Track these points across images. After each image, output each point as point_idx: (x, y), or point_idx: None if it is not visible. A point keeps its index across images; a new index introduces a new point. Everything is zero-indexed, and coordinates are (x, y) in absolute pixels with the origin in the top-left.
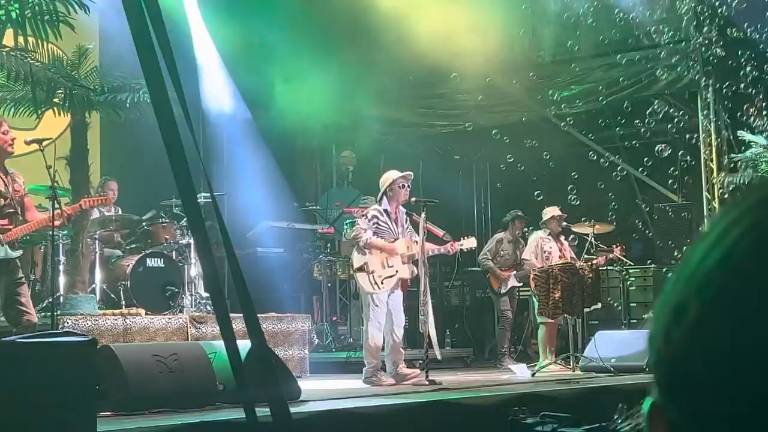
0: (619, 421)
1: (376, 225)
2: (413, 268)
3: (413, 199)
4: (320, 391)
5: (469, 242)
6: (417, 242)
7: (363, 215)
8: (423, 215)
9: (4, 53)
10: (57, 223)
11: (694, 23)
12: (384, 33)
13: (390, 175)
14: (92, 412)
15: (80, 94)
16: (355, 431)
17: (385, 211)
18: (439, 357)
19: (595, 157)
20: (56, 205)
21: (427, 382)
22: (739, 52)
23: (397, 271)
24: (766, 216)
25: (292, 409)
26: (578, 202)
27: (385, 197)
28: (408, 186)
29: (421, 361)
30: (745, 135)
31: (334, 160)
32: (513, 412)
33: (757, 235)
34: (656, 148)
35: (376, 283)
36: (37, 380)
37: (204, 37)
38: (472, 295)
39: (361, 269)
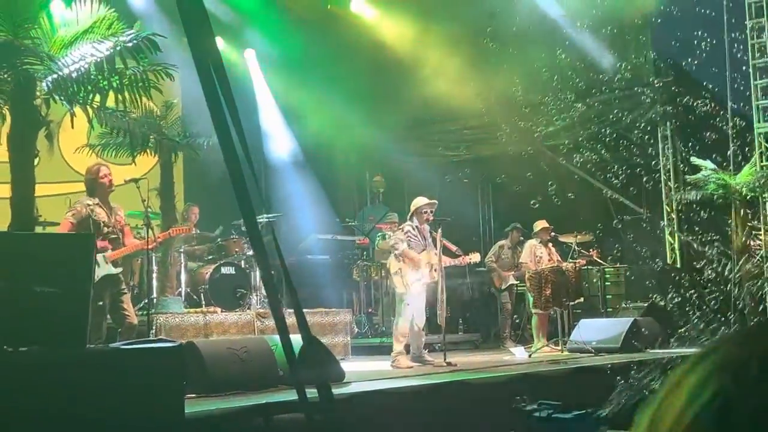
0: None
1: (409, 238)
2: (434, 275)
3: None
4: (361, 372)
5: (475, 257)
6: (436, 254)
7: (400, 229)
8: (439, 231)
9: (108, 113)
10: (150, 246)
11: (653, 71)
12: (402, 86)
13: (419, 201)
14: (181, 402)
15: (166, 144)
16: (388, 407)
17: (416, 227)
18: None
19: (579, 178)
20: (150, 232)
21: (445, 364)
22: (690, 93)
23: (422, 277)
24: (729, 383)
25: (338, 390)
26: (564, 216)
27: (414, 216)
28: (431, 212)
29: (439, 345)
30: (696, 160)
31: (367, 183)
32: (515, 400)
33: (721, 403)
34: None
35: (406, 285)
36: (136, 379)
37: (264, 91)
38: (479, 290)
39: (396, 273)
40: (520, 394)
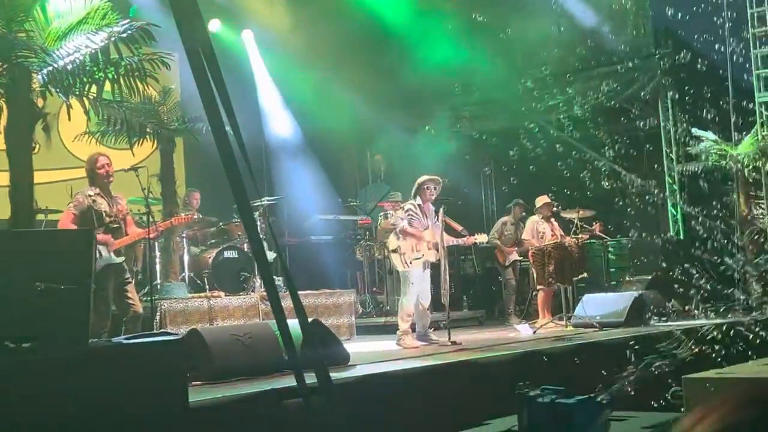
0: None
1: (410, 216)
2: (437, 253)
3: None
4: (366, 353)
5: (482, 237)
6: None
7: (401, 207)
8: (441, 209)
9: (104, 103)
10: (152, 236)
11: (653, 43)
12: (402, 63)
13: (422, 178)
14: (184, 395)
15: (165, 132)
16: (393, 390)
17: (419, 205)
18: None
19: (581, 153)
20: (152, 219)
21: (449, 343)
22: (690, 64)
23: (423, 255)
24: None
25: (342, 373)
26: (566, 191)
27: (418, 195)
28: (435, 188)
29: (444, 323)
30: (697, 132)
31: (369, 162)
32: (518, 386)
33: None
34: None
35: (406, 263)
36: (138, 374)
37: (263, 72)
38: (482, 266)
39: (395, 251)
40: (524, 373)
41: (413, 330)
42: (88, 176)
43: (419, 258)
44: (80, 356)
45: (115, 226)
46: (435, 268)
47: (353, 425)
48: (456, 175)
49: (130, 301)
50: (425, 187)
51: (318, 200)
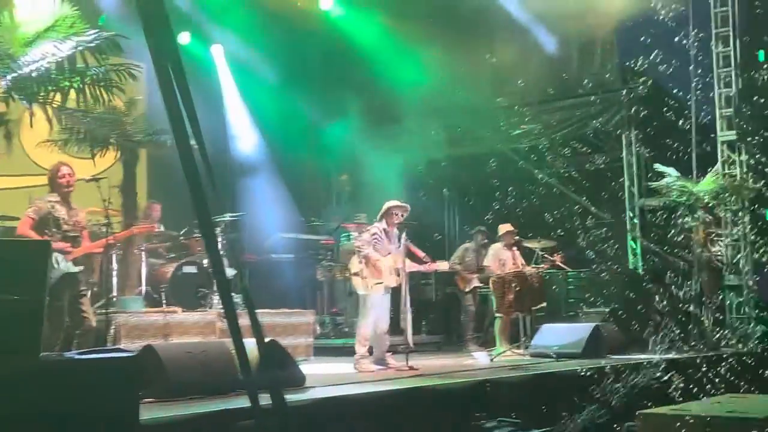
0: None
1: (375, 240)
2: (397, 278)
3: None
4: (322, 375)
5: (443, 265)
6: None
7: (367, 230)
8: (404, 235)
9: (67, 114)
10: (110, 242)
11: (619, 78)
12: (371, 86)
13: (391, 203)
14: (136, 413)
15: (128, 146)
16: (347, 414)
17: (384, 229)
18: (412, 345)
19: (545, 183)
20: (110, 230)
21: (407, 368)
22: (655, 100)
23: (384, 280)
24: None
25: (297, 395)
26: (529, 220)
27: (384, 218)
28: (402, 215)
29: (402, 347)
30: (660, 167)
31: (333, 182)
32: (475, 417)
33: None
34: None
35: (367, 286)
36: (90, 390)
37: (231, 88)
38: (443, 292)
39: (356, 274)
40: (481, 402)
41: (371, 354)
42: (49, 184)
43: (380, 283)
44: (30, 370)
45: (73, 234)
46: (396, 292)
47: None
48: (419, 199)
49: (84, 314)
50: (393, 212)
51: (281, 218)
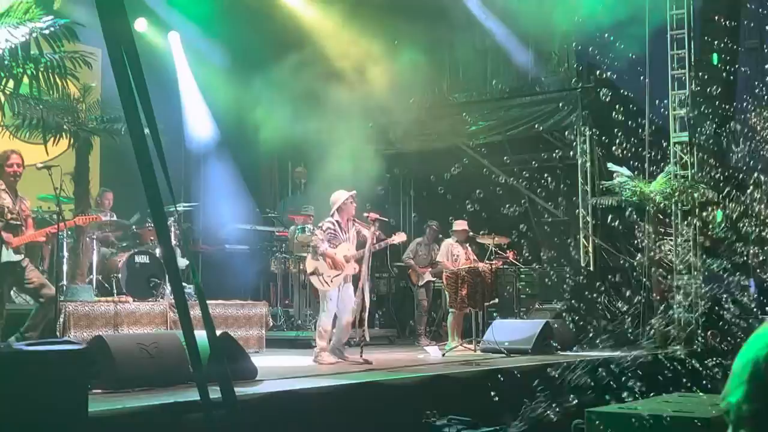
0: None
1: (330, 234)
2: (356, 266)
3: (371, 216)
4: (275, 367)
5: (400, 237)
6: (354, 246)
7: (319, 227)
8: (372, 229)
9: (20, 101)
10: (54, 232)
11: (575, 77)
12: (328, 77)
13: (341, 195)
14: (84, 406)
15: (82, 134)
16: (297, 407)
17: (337, 222)
18: (368, 339)
19: (499, 179)
20: (61, 218)
21: (361, 360)
22: (610, 100)
23: (341, 271)
24: None
25: (248, 388)
26: (483, 215)
27: (338, 212)
28: (354, 202)
29: (355, 339)
30: (613, 167)
31: (290, 174)
32: (426, 415)
33: None
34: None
35: (325, 282)
36: (37, 381)
37: (187, 76)
38: (396, 286)
39: (313, 273)
40: (432, 397)
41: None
42: None
43: (338, 275)
44: None
45: (16, 223)
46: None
47: None
48: (375, 193)
49: (39, 285)
50: (348, 202)
51: (236, 209)
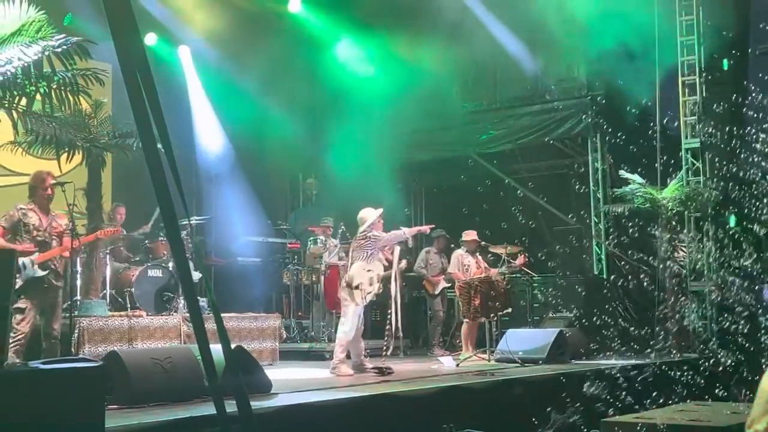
0: None
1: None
2: (379, 285)
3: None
4: (289, 380)
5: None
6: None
7: (367, 239)
8: (397, 248)
9: (33, 118)
10: (75, 246)
11: (586, 84)
12: (339, 89)
13: (371, 214)
14: (101, 423)
15: (94, 150)
16: (313, 420)
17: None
18: (392, 348)
19: (511, 188)
20: (75, 233)
21: (383, 367)
22: (622, 108)
23: (374, 289)
24: None
25: (264, 402)
26: (494, 224)
27: (372, 227)
28: (381, 219)
29: (385, 346)
30: (624, 174)
31: (300, 185)
32: (443, 428)
33: None
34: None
35: (363, 299)
36: (54, 400)
37: (198, 90)
38: (409, 295)
39: (357, 287)
40: (448, 408)
41: (348, 358)
42: (29, 189)
43: (371, 293)
44: None
45: (41, 239)
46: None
47: None
48: (387, 202)
49: (54, 332)
50: (377, 221)
51: (247, 222)
